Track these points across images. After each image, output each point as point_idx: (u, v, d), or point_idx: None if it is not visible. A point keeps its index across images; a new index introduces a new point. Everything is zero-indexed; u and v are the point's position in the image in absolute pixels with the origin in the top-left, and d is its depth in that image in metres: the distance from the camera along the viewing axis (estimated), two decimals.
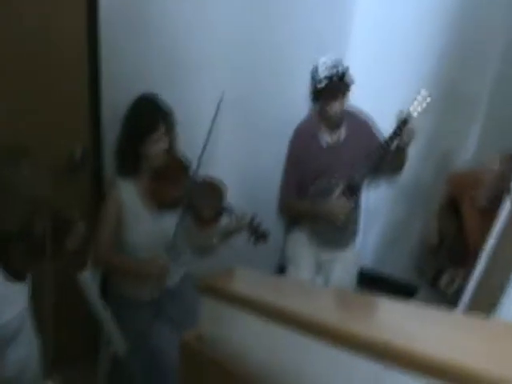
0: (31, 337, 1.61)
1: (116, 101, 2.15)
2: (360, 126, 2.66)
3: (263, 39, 2.63)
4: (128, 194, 2.09)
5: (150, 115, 2.04)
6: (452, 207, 2.54)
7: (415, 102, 2.41)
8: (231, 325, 1.24)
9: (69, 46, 2.08)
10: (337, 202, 2.53)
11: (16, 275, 1.48)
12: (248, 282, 1.45)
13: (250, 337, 1.19)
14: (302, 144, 2.65)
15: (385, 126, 2.63)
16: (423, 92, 2.41)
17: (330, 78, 2.45)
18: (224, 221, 2.16)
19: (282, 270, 2.94)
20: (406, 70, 2.83)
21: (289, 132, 2.74)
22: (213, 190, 2.17)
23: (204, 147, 2.05)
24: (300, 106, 2.87)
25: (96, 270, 2.08)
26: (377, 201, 3.02)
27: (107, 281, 2.19)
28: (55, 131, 2.09)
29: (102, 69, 2.14)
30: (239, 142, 2.70)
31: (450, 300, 2.27)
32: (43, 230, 1.44)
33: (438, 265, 2.51)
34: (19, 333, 1.52)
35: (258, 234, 2.13)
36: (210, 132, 2.07)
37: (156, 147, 2.05)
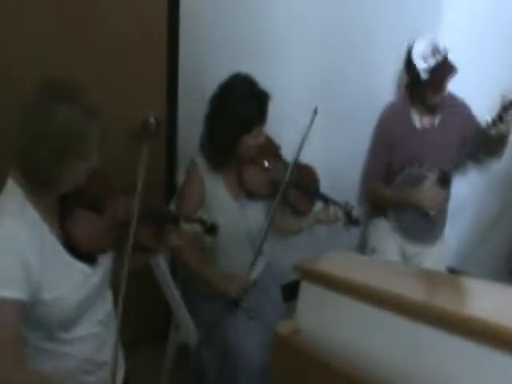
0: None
1: (193, 70, 2.09)
2: (457, 109, 2.46)
3: (352, 19, 2.47)
4: (213, 184, 1.91)
5: (261, 105, 1.79)
6: None
7: None
8: (338, 316, 1.06)
9: (148, 15, 2.00)
10: (431, 189, 2.34)
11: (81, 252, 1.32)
12: (357, 266, 1.27)
13: (362, 330, 1.02)
14: (393, 125, 2.47)
15: (481, 112, 2.43)
16: None
17: (433, 70, 2.26)
18: (317, 207, 2.08)
19: None
20: (506, 52, 2.58)
21: (374, 118, 2.57)
22: (308, 177, 2.09)
23: (297, 154, 1.96)
24: (387, 90, 2.70)
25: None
26: (465, 192, 2.77)
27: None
28: (131, 98, 1.98)
29: (181, 38, 2.06)
30: (322, 127, 2.52)
31: None
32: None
33: None
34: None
35: (352, 221, 2.07)
36: (303, 140, 1.97)
37: (260, 139, 1.85)
